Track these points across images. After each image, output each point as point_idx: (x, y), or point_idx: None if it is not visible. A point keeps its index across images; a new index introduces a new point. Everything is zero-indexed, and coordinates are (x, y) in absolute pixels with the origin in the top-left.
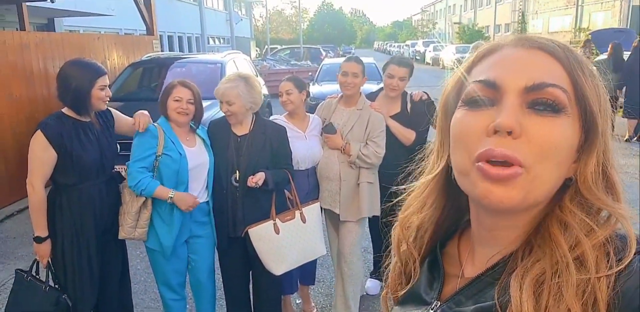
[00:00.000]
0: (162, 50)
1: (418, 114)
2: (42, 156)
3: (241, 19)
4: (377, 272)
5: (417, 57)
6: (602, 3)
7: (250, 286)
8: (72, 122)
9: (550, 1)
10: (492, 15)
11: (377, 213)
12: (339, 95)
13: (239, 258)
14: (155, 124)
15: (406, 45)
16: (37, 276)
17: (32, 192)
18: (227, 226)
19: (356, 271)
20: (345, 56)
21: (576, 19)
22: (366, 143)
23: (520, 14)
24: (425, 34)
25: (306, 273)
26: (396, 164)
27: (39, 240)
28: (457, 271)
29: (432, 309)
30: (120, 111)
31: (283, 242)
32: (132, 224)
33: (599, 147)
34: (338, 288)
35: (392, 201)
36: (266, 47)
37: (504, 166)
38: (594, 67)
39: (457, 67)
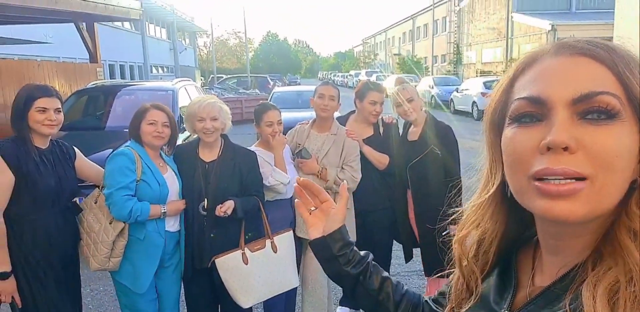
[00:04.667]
0: (105, 79)
1: (389, 137)
2: (0, 181)
3: (185, 48)
4: (346, 300)
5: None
6: (529, 36)
7: None
8: (28, 146)
9: (482, 34)
10: (429, 46)
11: (353, 239)
12: (311, 120)
13: (206, 290)
14: (129, 148)
15: (350, 75)
16: None
17: None
18: (194, 257)
19: (317, 298)
20: (291, 85)
21: (506, 50)
22: (342, 168)
23: (455, 46)
24: (367, 64)
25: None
26: (370, 189)
27: (4, 276)
28: (527, 280)
29: None
30: (64, 140)
31: (252, 273)
32: (107, 253)
33: None
34: None
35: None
36: (212, 76)
37: (566, 180)
38: None
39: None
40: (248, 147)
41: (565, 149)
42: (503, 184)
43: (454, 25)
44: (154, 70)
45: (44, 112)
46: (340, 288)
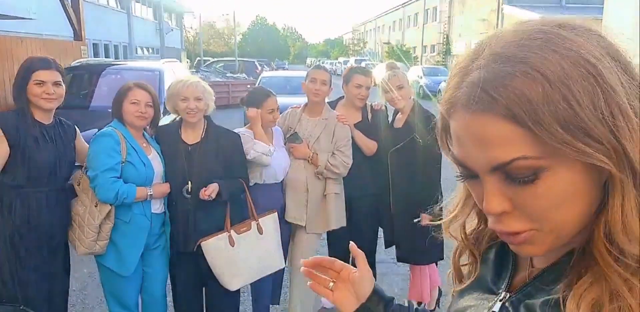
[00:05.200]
0: (89, 58)
1: (377, 123)
2: None
3: (172, 30)
4: None
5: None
6: None
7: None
8: (31, 120)
9: (472, 25)
10: (419, 36)
11: (344, 224)
12: (302, 105)
13: (192, 273)
14: (112, 128)
15: (339, 62)
16: None
17: None
18: (178, 241)
19: (306, 283)
20: (279, 70)
21: None
22: (333, 153)
23: (445, 36)
24: (357, 52)
25: (274, 293)
26: (358, 175)
27: None
28: (526, 261)
29: (500, 301)
30: None
31: (239, 255)
32: (94, 237)
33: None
34: (290, 298)
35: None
36: (198, 58)
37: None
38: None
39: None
40: (237, 130)
41: (502, 212)
42: None
43: (444, 16)
44: (139, 51)
45: (42, 85)
46: None
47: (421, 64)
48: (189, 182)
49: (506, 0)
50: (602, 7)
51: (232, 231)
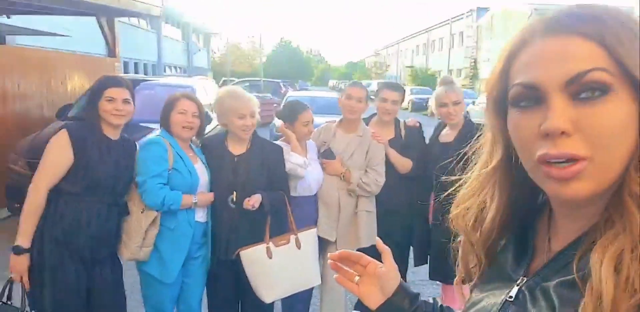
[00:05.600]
0: (122, 74)
1: (411, 140)
2: (57, 158)
3: (199, 50)
4: (362, 304)
5: (372, 97)
6: None
7: None
8: (99, 133)
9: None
10: (444, 59)
11: (374, 242)
12: (338, 120)
13: (230, 284)
14: (160, 137)
15: None
16: (9, 302)
17: (33, 193)
18: (220, 248)
19: (337, 297)
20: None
21: None
22: (366, 171)
23: (473, 60)
24: (379, 75)
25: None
26: (391, 192)
27: (17, 250)
28: (544, 246)
29: (517, 285)
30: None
31: (275, 268)
32: (139, 242)
33: None
34: None
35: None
36: (224, 79)
37: (567, 163)
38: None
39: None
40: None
41: (563, 133)
42: (505, 159)
43: (472, 41)
44: (168, 70)
45: (112, 101)
46: None
47: None
48: (234, 192)
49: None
50: None
51: (270, 243)
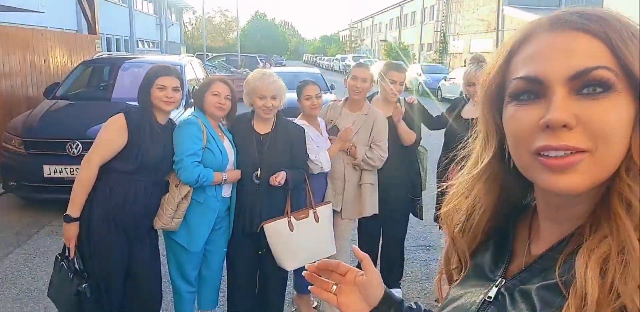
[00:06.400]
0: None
1: (411, 117)
2: (112, 137)
3: (172, 24)
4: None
5: (347, 71)
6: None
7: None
8: (151, 118)
9: (470, 25)
10: (417, 34)
11: (376, 211)
12: (344, 99)
13: (250, 253)
14: (195, 117)
15: (336, 59)
16: (68, 261)
17: (86, 168)
18: (244, 222)
19: (343, 262)
20: (277, 66)
21: (497, 42)
22: (370, 147)
23: (442, 35)
24: (354, 49)
25: None
26: (392, 165)
27: (67, 219)
28: (524, 249)
29: (495, 286)
30: (70, 110)
31: (296, 239)
32: (171, 214)
33: None
34: None
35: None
36: (197, 53)
37: (563, 154)
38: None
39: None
40: (296, 120)
41: (564, 126)
42: (497, 157)
43: (441, 15)
44: (140, 45)
45: (163, 89)
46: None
47: (419, 62)
48: (259, 169)
49: (506, 1)
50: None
51: (292, 217)
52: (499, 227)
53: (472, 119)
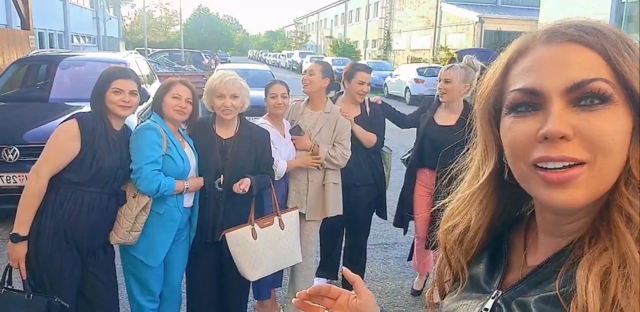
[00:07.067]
0: (36, 47)
1: (376, 116)
2: (64, 146)
3: (110, 18)
4: (322, 272)
5: (294, 67)
6: (457, 26)
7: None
8: (105, 124)
9: (411, 22)
10: (362, 31)
11: (340, 212)
12: (306, 98)
13: (212, 263)
14: (153, 122)
15: (282, 55)
16: (11, 287)
17: (35, 181)
18: (206, 231)
19: (307, 266)
20: (223, 62)
21: (434, 38)
22: (333, 145)
23: (386, 32)
24: (300, 45)
25: (276, 276)
26: (356, 166)
27: (15, 238)
28: (520, 261)
29: (492, 298)
30: (3, 112)
31: (260, 248)
32: (129, 227)
33: None
34: (290, 282)
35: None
36: (136, 49)
37: (564, 169)
38: (632, 41)
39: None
40: (258, 121)
41: (562, 137)
42: (496, 170)
43: (385, 11)
44: (75, 40)
45: (119, 93)
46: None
47: (364, 58)
48: (222, 176)
49: None
50: (534, 9)
51: (255, 225)
52: (492, 238)
53: (452, 126)
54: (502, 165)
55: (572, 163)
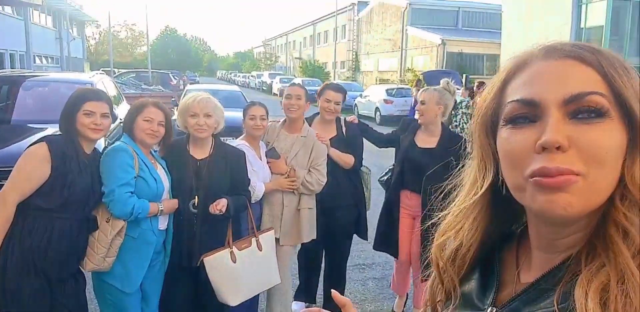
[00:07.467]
0: None
1: (353, 136)
2: (33, 170)
3: (73, 39)
4: (300, 295)
5: (264, 88)
6: (422, 48)
7: None
8: (75, 147)
9: (379, 45)
10: (331, 52)
11: (314, 237)
12: (282, 120)
13: (188, 288)
14: (124, 143)
15: (252, 76)
16: None
17: (1, 208)
18: (182, 255)
19: (283, 290)
20: (192, 83)
21: (401, 60)
22: (309, 170)
23: (354, 54)
24: (269, 66)
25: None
26: (336, 187)
27: None
28: (512, 278)
29: None
30: None
31: (240, 271)
32: (104, 252)
33: None
34: (267, 307)
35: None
36: (102, 69)
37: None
38: (628, 64)
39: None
40: (235, 142)
41: (559, 148)
42: (495, 183)
43: (353, 34)
44: (37, 60)
45: (91, 115)
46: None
47: (334, 79)
48: (196, 197)
49: (410, 21)
50: (493, 32)
51: (234, 247)
52: (482, 256)
53: (433, 149)
54: (498, 178)
55: (568, 174)
